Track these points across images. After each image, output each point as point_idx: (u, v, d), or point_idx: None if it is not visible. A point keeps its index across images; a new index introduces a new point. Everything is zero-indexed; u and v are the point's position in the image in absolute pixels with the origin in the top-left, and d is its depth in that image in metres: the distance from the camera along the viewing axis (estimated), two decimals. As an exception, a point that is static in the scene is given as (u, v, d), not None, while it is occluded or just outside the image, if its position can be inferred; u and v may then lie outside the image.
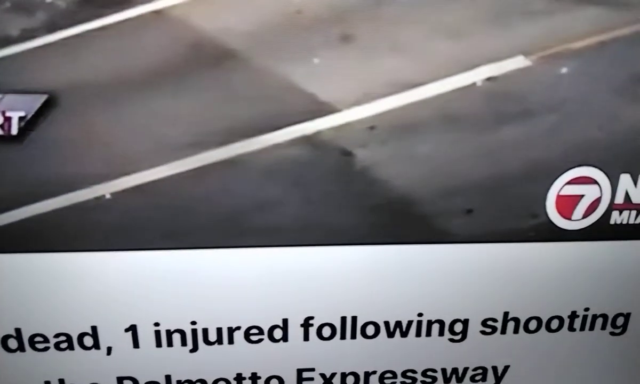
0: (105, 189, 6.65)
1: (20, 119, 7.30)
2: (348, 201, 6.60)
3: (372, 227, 5.86)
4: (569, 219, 6.13)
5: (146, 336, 4.81)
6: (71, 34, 8.88)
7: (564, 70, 10.76)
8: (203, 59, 8.72)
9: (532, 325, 4.68)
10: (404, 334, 4.88)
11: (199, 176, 7.52)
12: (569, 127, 9.05)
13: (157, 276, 5.20)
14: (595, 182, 6.19)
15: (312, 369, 4.87)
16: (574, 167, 6.01)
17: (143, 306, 4.86)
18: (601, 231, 4.99)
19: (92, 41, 7.08)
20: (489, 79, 11.08)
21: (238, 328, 4.84)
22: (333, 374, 5.01)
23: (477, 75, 10.80)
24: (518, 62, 11.14)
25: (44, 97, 7.60)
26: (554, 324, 4.76)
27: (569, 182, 6.42)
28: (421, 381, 4.64)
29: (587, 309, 4.83)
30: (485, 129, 9.66)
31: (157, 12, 8.82)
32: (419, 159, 8.28)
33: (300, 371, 4.73)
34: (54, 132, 7.80)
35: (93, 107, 7.18)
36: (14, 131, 8.14)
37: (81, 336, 4.61)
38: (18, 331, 4.43)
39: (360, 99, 9.36)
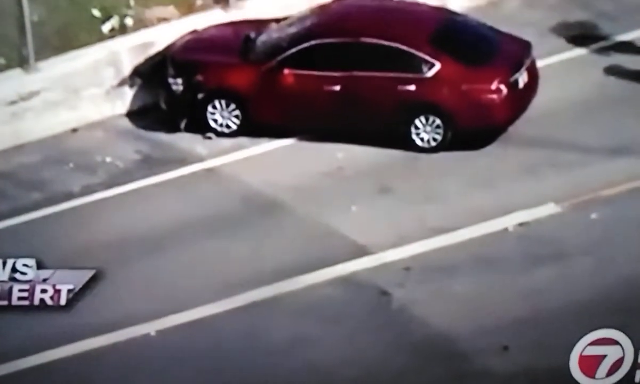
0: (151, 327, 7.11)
1: (69, 291, 7.30)
2: (386, 338, 6.73)
3: (408, 368, 5.64)
4: (593, 378, 5.71)
5: None
6: (129, 189, 10.01)
7: (594, 216, 10.66)
8: (252, 209, 9.58)
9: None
10: None
11: (245, 312, 7.89)
12: (602, 271, 8.73)
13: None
14: (617, 343, 5.66)
15: None
16: (596, 329, 5.66)
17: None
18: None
19: (148, 196, 8.31)
20: (521, 224, 11.01)
21: None
22: None
23: (510, 221, 10.71)
24: (549, 209, 11.23)
25: (91, 272, 7.89)
26: None
27: (592, 343, 5.69)
28: None
29: None
30: (519, 271, 9.57)
31: (209, 170, 10.23)
32: (455, 298, 8.52)
33: None
34: (99, 304, 8.02)
35: (143, 257, 7.84)
36: (63, 301, 8.15)
37: None
38: None
39: (396, 242, 9.59)
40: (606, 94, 13.55)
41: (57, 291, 8.59)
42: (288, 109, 13.31)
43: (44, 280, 8.82)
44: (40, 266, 9.00)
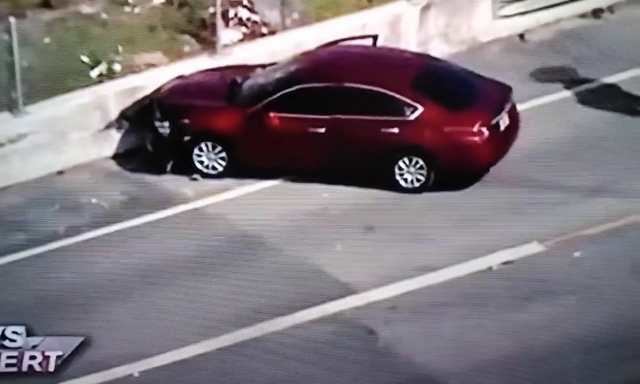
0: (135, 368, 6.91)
1: (58, 357, 7.03)
2: (372, 378, 6.60)
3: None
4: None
5: None
6: (115, 230, 9.72)
7: (578, 254, 10.53)
8: (238, 249, 9.28)
9: None
10: None
11: (230, 352, 7.61)
12: (587, 309, 8.70)
13: None
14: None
15: None
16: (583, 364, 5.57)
17: None
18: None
19: (134, 237, 8.14)
20: (505, 263, 10.81)
21: None
22: None
23: (494, 259, 10.54)
24: (533, 248, 11.01)
25: (80, 339, 7.61)
26: None
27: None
28: None
29: None
30: (504, 309, 9.36)
31: (195, 211, 9.92)
32: (441, 337, 8.28)
33: None
34: (91, 368, 7.74)
35: (128, 298, 7.60)
36: (52, 368, 7.85)
37: None
38: None
39: (382, 282, 9.35)
40: (585, 135, 13.40)
41: (46, 358, 8.35)
42: (274, 151, 13.13)
43: (34, 347, 8.56)
44: (29, 333, 8.73)
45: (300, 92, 13.04)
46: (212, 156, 13.22)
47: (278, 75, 13.59)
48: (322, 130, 12.94)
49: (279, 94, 13.07)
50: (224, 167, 13.17)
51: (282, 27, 14.89)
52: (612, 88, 14.24)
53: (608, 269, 11.61)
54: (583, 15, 15.47)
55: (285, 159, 13.16)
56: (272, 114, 13.06)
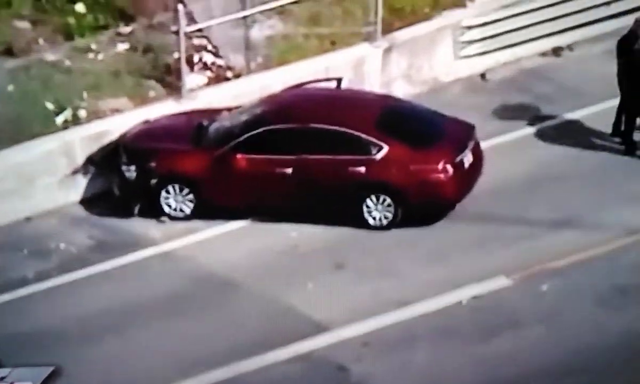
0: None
1: None
2: None
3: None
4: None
5: None
6: (83, 275, 9.67)
7: (544, 287, 10.78)
8: (208, 290, 9.29)
9: None
10: None
11: None
12: (555, 341, 8.87)
13: None
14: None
15: None
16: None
17: None
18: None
19: (103, 281, 8.06)
20: (474, 297, 10.97)
21: None
22: None
23: (463, 294, 10.70)
24: (500, 282, 11.20)
25: (50, 369, 7.24)
26: None
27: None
28: None
29: None
30: (475, 342, 9.52)
31: (164, 253, 9.89)
32: (413, 371, 8.42)
33: None
34: None
35: (99, 342, 7.46)
36: None
37: None
38: None
39: (353, 318, 9.42)
40: (548, 171, 13.50)
41: (16, 388, 9.42)
42: (241, 192, 13.11)
43: (2, 378, 8.56)
44: (-1, 364, 9.57)
45: (266, 133, 13.06)
46: (180, 198, 13.15)
47: (244, 117, 13.62)
48: (289, 170, 12.96)
49: (245, 136, 13.10)
50: (192, 209, 13.13)
51: (247, 71, 14.87)
52: (574, 124, 14.38)
53: (573, 301, 11.68)
54: (543, 54, 15.66)
55: (253, 199, 13.17)
56: (239, 156, 13.09)
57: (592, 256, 12.28)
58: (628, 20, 14.68)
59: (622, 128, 14.03)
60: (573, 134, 14.20)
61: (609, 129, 14.09)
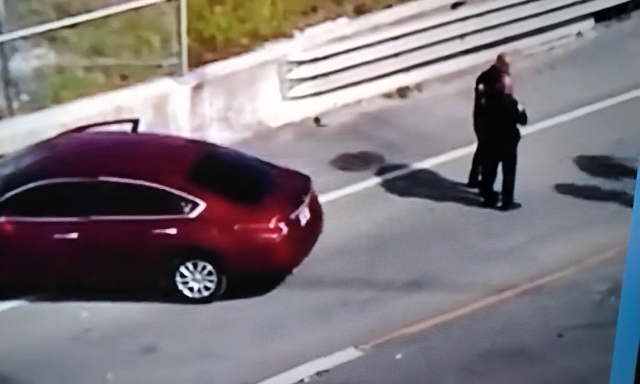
0: None
1: None
2: None
3: None
4: None
5: None
6: None
7: (399, 356, 8.70)
8: None
9: None
10: None
11: None
12: None
13: None
14: None
15: None
16: None
17: None
18: None
19: None
20: (319, 373, 8.75)
21: None
22: None
23: (306, 370, 8.45)
24: (349, 354, 8.93)
25: None
26: None
27: None
28: None
29: None
30: None
31: None
32: None
33: None
34: None
35: None
36: None
37: None
38: None
39: None
40: (397, 227, 11.68)
41: None
42: (10, 265, 10.65)
43: None
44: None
45: (39, 190, 10.64)
46: None
47: (7, 171, 11.09)
48: (74, 235, 10.60)
49: (9, 195, 10.64)
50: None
51: (9, 112, 12.43)
52: (425, 174, 12.57)
53: (432, 369, 10.25)
54: (388, 95, 13.78)
55: (25, 274, 10.73)
56: (2, 219, 10.62)
57: (449, 319, 10.93)
58: (486, 56, 13.17)
59: (480, 178, 12.36)
60: (424, 185, 12.41)
61: (464, 179, 12.40)
